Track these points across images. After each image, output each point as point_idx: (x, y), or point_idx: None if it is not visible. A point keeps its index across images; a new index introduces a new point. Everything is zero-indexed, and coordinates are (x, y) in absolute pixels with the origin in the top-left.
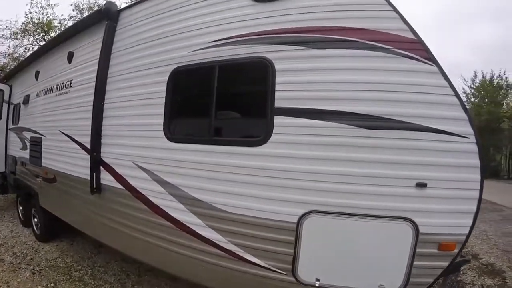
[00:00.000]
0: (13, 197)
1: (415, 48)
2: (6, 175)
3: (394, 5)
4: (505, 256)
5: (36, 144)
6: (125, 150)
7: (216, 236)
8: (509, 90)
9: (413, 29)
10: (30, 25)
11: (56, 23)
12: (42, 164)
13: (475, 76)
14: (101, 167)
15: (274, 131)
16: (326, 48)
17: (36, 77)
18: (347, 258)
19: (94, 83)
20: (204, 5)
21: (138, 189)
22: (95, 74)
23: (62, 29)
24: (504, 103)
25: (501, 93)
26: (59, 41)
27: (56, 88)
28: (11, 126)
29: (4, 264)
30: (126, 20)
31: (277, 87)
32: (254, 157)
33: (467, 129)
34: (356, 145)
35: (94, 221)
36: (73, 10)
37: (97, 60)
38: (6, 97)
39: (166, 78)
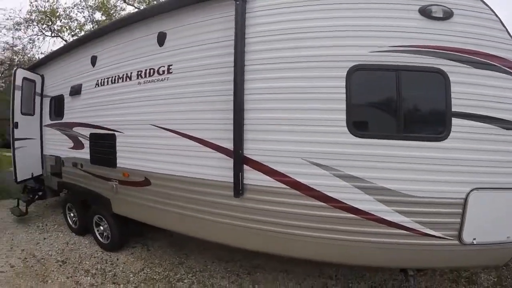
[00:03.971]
0: (48, 202)
1: None
2: (44, 179)
3: None
4: None
5: (104, 142)
6: (290, 147)
7: (402, 219)
8: None
9: None
10: (36, 14)
11: (60, 11)
12: (119, 165)
13: None
14: (244, 166)
15: (452, 130)
16: (480, 68)
17: (93, 63)
18: (492, 220)
19: (219, 69)
20: (386, 8)
21: (311, 186)
22: (219, 60)
23: (67, 17)
24: None
25: None
26: (136, 20)
27: (139, 75)
28: (47, 122)
29: None
30: (267, 3)
31: (452, 95)
32: (438, 150)
33: None
34: (499, 140)
35: (239, 228)
36: None
37: (218, 43)
38: (38, 89)
39: (344, 74)
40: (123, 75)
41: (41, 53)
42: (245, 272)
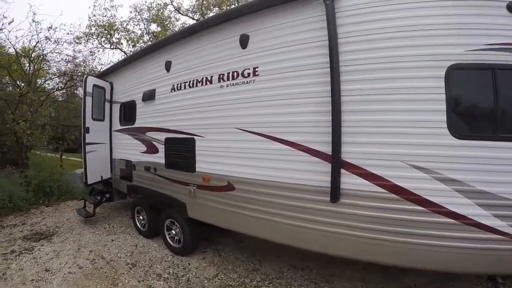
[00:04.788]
0: (113, 204)
1: None
2: (112, 182)
3: None
4: None
5: (181, 146)
6: (389, 149)
7: (498, 223)
8: None
9: None
10: (95, 28)
11: (117, 25)
12: (198, 170)
13: None
14: (341, 170)
15: None
16: None
17: (168, 69)
18: None
19: (311, 71)
20: (477, 5)
21: (411, 190)
22: (309, 61)
23: (125, 30)
24: None
25: None
26: (214, 24)
27: (221, 78)
28: (117, 127)
29: None
30: (357, 2)
31: None
32: None
33: None
34: None
35: (332, 234)
36: (130, 12)
37: (308, 44)
38: (107, 96)
39: (443, 73)
40: (202, 79)
41: (101, 64)
42: (323, 280)
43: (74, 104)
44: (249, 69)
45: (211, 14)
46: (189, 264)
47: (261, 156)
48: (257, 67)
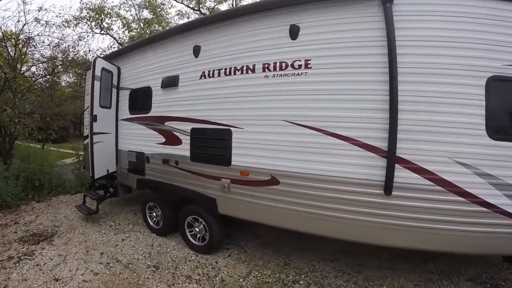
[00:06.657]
0: (112, 199)
1: None
2: (117, 176)
3: None
4: None
5: (214, 138)
6: (438, 147)
7: None
8: None
9: None
10: (86, 11)
11: (108, 9)
12: (234, 163)
13: None
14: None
15: None
16: None
17: (196, 54)
18: None
19: (366, 69)
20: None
21: (454, 183)
22: (365, 59)
23: (116, 14)
24: None
25: None
26: (260, 11)
27: (266, 68)
28: (126, 115)
29: None
30: (414, 8)
31: None
32: None
33: None
34: None
35: (383, 226)
36: None
37: (363, 43)
38: (114, 81)
39: (484, 83)
40: (242, 67)
41: (90, 50)
42: (354, 271)
43: (59, 92)
44: (300, 61)
45: (207, 3)
46: (216, 263)
47: (311, 150)
48: (310, 60)
